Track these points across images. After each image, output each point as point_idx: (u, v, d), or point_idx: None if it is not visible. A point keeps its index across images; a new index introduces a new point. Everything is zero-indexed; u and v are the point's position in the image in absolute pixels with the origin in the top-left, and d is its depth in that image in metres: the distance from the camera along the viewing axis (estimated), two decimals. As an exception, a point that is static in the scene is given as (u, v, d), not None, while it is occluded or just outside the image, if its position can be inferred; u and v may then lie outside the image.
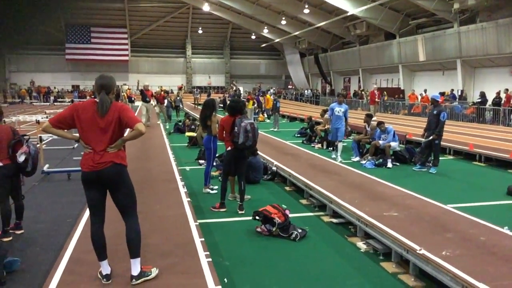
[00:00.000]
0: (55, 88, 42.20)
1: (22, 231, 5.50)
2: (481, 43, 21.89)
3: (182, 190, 7.02)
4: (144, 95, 17.79)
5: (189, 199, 6.49)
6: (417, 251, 4.36)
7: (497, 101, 19.92)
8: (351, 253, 5.14)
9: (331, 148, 11.53)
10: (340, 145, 10.81)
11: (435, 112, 9.49)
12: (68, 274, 3.94)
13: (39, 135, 10.27)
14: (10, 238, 5.25)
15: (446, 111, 10.54)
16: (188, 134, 13.76)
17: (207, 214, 6.48)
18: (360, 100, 30.85)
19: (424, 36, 26.04)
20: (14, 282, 4.16)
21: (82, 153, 3.80)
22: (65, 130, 3.73)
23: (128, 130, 3.80)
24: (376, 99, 21.91)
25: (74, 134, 3.84)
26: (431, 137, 9.39)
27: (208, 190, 7.66)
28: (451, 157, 11.67)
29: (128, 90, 30.46)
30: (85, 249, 4.35)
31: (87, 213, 5.69)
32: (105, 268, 3.80)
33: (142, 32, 45.60)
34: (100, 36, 44.05)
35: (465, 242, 4.68)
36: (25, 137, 5.42)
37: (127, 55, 45.27)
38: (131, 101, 25.24)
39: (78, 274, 3.95)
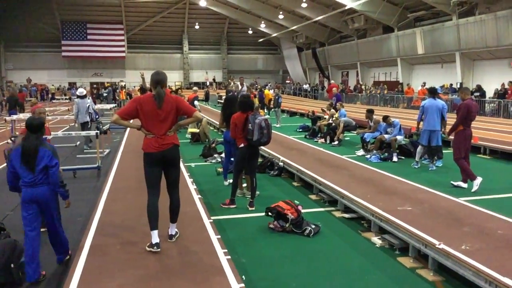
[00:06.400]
0: (53, 85, 41.90)
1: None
2: (480, 36, 21.87)
3: (192, 187, 6.98)
4: (145, 91, 17.61)
5: (200, 196, 6.45)
6: (437, 246, 4.33)
7: (501, 93, 19.94)
8: (367, 249, 5.12)
9: (336, 142, 11.52)
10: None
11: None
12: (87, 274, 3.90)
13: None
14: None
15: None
16: (190, 130, 13.69)
17: (218, 211, 6.44)
18: (360, 94, 30.84)
19: (422, 29, 26.00)
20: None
21: (145, 138, 4.48)
22: (131, 121, 4.52)
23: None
24: (334, 90, 19.33)
25: (136, 124, 4.53)
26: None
27: (230, 181, 7.57)
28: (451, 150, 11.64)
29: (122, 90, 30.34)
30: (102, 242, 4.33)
31: (99, 210, 5.66)
32: (155, 237, 4.36)
33: (138, 28, 45.32)
34: (97, 32, 43.72)
35: (483, 236, 4.66)
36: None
37: (123, 51, 45.00)
38: (131, 97, 25.08)
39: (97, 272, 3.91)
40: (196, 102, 14.09)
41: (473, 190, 7.30)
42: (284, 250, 5.04)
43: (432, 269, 4.41)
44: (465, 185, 7.56)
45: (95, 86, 40.99)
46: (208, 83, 44.82)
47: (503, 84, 20.28)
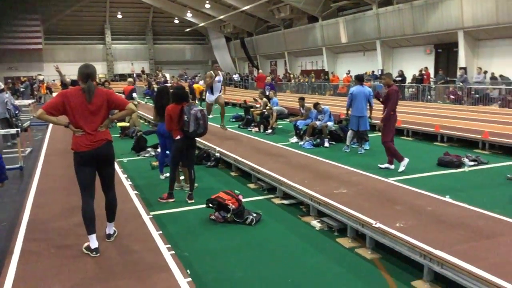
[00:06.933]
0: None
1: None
2: (398, 24, 23.14)
3: (127, 183, 6.71)
4: (67, 86, 16.58)
5: (136, 192, 6.22)
6: (373, 225, 4.54)
7: (419, 79, 21.31)
8: (307, 232, 5.24)
9: (270, 131, 11.68)
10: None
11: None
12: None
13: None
14: None
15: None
16: (120, 124, 13.14)
17: (156, 206, 6.25)
18: (288, 83, 31.44)
19: (345, 19, 26.98)
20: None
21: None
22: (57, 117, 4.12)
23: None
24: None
25: (63, 120, 4.19)
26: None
27: (166, 174, 7.35)
28: (379, 133, 12.29)
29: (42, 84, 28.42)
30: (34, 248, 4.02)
31: (26, 214, 5.25)
32: (93, 242, 4.14)
33: (56, 18, 42.46)
34: (9, 23, 40.27)
35: (414, 213, 4.95)
36: None
37: (40, 43, 41.93)
38: (51, 92, 23.55)
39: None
40: (134, 95, 13.38)
41: (399, 170, 7.74)
42: (227, 241, 5.02)
43: (369, 248, 4.62)
44: (392, 167, 8.00)
45: (9, 80, 37.94)
46: (134, 75, 43.24)
47: (420, 70, 21.68)
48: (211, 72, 11.40)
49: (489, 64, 19.48)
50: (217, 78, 11.23)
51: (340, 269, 4.27)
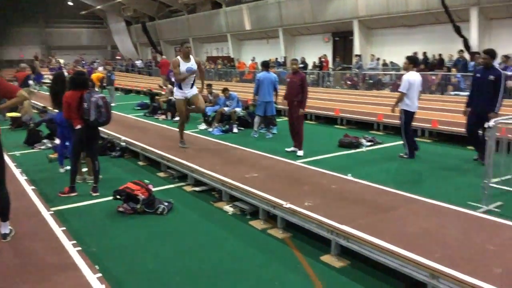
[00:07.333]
0: None
1: None
2: (299, 12, 24.00)
3: (21, 178, 6.14)
4: None
5: (33, 187, 5.72)
6: (284, 206, 4.69)
7: (318, 66, 22.35)
8: (220, 218, 5.26)
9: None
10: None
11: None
12: None
13: None
14: None
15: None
16: (10, 114, 11.95)
17: (57, 201, 5.79)
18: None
19: (248, 6, 27.28)
20: None
21: None
22: None
23: None
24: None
25: None
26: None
27: (67, 167, 6.82)
28: (285, 118, 12.72)
29: None
30: None
31: None
32: None
33: None
34: None
35: (321, 192, 5.21)
36: None
37: None
38: None
39: None
40: (30, 82, 12.04)
41: (293, 152, 8.15)
42: (138, 232, 4.85)
43: (281, 228, 4.77)
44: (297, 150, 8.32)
45: None
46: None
47: (320, 57, 22.77)
48: (177, 58, 7.54)
49: (381, 51, 21.12)
50: (182, 67, 7.37)
51: (254, 250, 4.35)
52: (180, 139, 7.98)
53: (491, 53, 7.25)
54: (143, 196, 5.38)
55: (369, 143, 9.00)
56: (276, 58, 25.96)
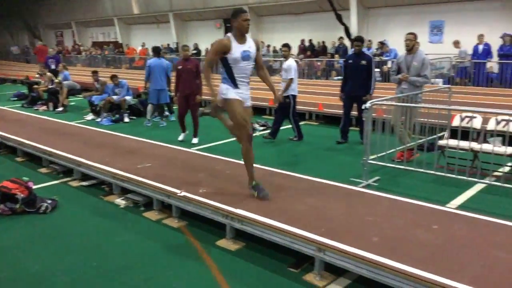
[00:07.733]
0: None
1: None
2: (190, -3, 23.63)
3: None
4: None
5: None
6: (178, 194, 4.64)
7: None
8: (112, 212, 5.04)
9: (61, 109, 10.61)
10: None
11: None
12: None
13: None
14: None
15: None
16: None
17: None
18: (78, 56, 28.99)
19: (135, -12, 26.17)
20: None
21: None
22: None
23: None
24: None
25: None
26: None
27: None
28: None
29: None
30: None
31: None
32: None
33: None
34: None
35: (215, 178, 5.24)
36: None
37: None
38: None
39: None
40: None
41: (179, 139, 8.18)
42: (18, 234, 4.45)
43: (176, 217, 4.72)
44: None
45: None
46: None
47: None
48: (227, 36, 4.51)
49: (271, 38, 21.74)
50: (235, 52, 4.42)
51: (149, 242, 4.25)
52: (250, 180, 4.71)
53: (361, 40, 7.99)
54: (22, 195, 4.94)
55: (262, 128, 9.28)
56: (168, 44, 25.34)
